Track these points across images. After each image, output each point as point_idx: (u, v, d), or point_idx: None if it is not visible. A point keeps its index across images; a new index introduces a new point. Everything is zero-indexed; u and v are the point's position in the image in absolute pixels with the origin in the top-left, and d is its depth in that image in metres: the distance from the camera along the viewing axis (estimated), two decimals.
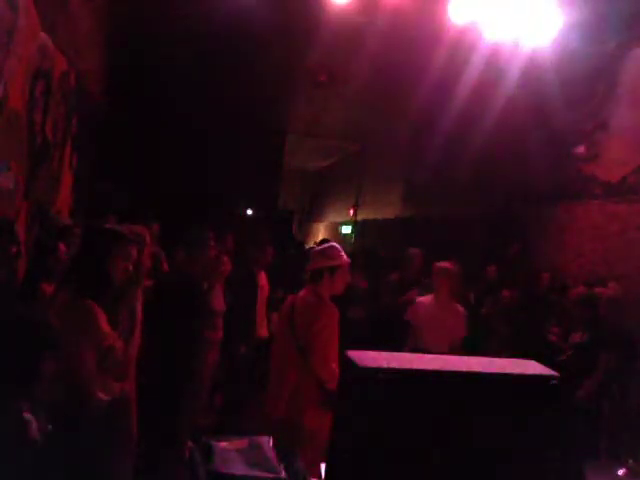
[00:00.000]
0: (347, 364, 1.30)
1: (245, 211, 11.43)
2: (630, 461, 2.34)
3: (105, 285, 2.32)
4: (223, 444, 1.61)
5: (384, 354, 1.34)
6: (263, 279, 5.11)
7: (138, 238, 2.56)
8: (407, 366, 1.29)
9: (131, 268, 2.40)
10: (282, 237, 9.80)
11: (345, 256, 3.03)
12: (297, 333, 2.87)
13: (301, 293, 3.02)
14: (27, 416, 1.88)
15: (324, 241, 6.22)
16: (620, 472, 2.27)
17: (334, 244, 3.14)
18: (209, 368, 4.08)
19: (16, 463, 1.82)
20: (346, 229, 14.90)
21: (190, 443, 1.63)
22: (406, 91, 7.73)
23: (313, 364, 2.79)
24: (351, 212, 14.26)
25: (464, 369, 1.33)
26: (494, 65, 6.15)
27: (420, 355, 1.43)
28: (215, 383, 4.32)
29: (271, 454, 1.61)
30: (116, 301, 2.40)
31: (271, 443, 1.67)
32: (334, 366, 2.73)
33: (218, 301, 4.18)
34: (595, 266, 5.82)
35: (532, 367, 1.41)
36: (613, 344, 4.14)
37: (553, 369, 1.38)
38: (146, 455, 2.92)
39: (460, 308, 4.14)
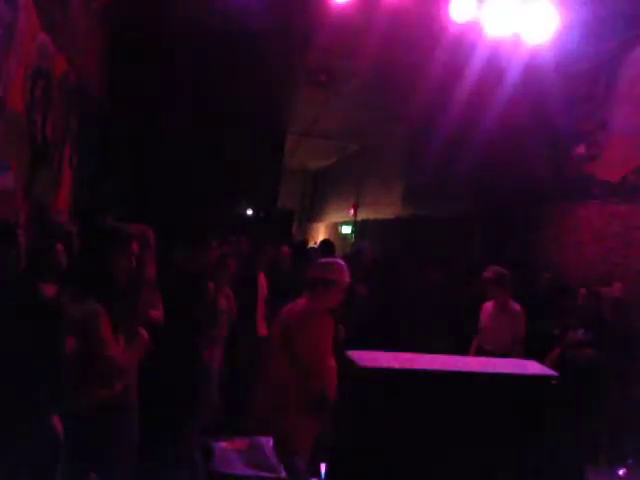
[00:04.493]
0: (347, 364, 1.30)
1: (245, 211, 11.44)
2: (630, 461, 2.34)
3: (108, 285, 2.30)
4: (223, 444, 1.61)
5: (384, 354, 1.34)
6: (262, 279, 5.13)
7: (141, 237, 2.54)
8: (407, 366, 1.29)
9: (134, 267, 2.38)
10: (282, 237, 9.80)
11: (346, 276, 2.92)
12: (289, 341, 2.82)
13: (297, 302, 2.97)
14: None
15: (325, 241, 6.23)
16: (620, 472, 2.27)
17: (339, 261, 3.03)
18: (216, 367, 4.11)
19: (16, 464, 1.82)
20: (346, 229, 14.89)
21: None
22: (406, 91, 7.72)
23: (301, 373, 2.76)
24: (351, 212, 14.26)
25: (464, 369, 1.33)
26: (494, 65, 6.15)
27: (420, 355, 1.43)
28: (219, 383, 4.32)
29: (271, 454, 1.61)
30: (119, 301, 2.38)
31: (271, 443, 1.67)
32: (324, 377, 2.71)
33: (224, 301, 4.21)
34: (595, 266, 5.81)
35: (532, 367, 1.41)
36: (614, 344, 4.15)
37: (554, 369, 1.38)
38: (149, 455, 2.91)
39: (518, 308, 4.43)
